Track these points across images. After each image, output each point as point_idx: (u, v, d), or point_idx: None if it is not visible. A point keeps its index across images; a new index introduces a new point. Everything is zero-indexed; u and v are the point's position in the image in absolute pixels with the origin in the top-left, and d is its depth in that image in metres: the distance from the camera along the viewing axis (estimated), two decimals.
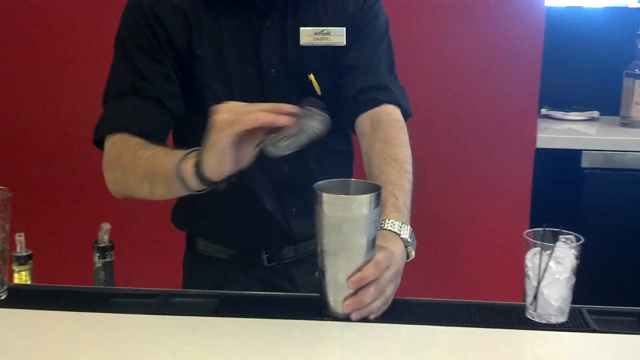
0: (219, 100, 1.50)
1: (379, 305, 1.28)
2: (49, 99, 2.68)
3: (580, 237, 1.29)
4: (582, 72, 3.19)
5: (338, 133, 1.64)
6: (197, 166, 1.25)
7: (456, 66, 2.62)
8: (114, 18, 1.54)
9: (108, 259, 1.55)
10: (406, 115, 1.62)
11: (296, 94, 1.55)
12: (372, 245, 1.26)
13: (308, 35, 1.56)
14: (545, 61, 2.66)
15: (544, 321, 1.29)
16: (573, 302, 1.31)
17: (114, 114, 1.51)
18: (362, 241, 1.24)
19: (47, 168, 2.71)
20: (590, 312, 1.34)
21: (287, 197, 1.63)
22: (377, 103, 1.59)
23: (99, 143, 1.51)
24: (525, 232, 1.31)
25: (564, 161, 2.81)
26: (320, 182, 1.27)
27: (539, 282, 1.28)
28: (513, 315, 1.32)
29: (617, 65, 3.02)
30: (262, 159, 1.34)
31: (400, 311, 1.32)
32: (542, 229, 1.31)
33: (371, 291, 1.26)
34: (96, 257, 1.55)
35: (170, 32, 1.52)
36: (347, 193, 1.25)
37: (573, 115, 3.09)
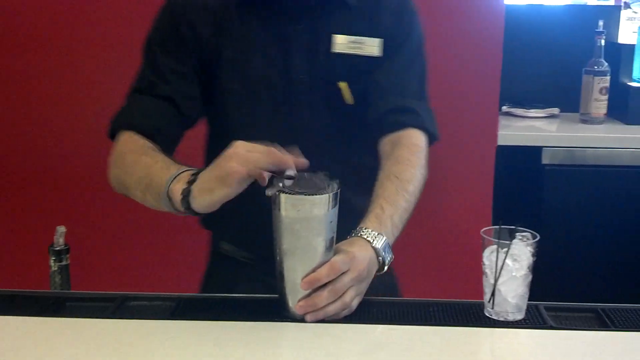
0: (243, 107, 1.51)
1: (335, 309, 1.26)
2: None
3: (536, 234, 1.30)
4: (542, 69, 3.21)
5: (365, 148, 1.60)
6: (186, 195, 1.24)
7: None
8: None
9: (64, 263, 1.52)
10: (432, 138, 1.60)
11: (324, 101, 1.55)
12: (329, 246, 1.25)
13: (341, 43, 1.53)
14: (505, 59, 2.66)
15: (501, 318, 1.30)
16: (532, 298, 1.32)
17: (127, 110, 1.53)
18: (317, 242, 1.23)
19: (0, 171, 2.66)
20: (548, 308, 1.35)
21: None
22: (401, 126, 1.56)
23: (113, 136, 1.51)
24: (482, 230, 1.31)
25: (525, 158, 2.83)
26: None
27: (495, 280, 1.28)
28: (472, 313, 1.32)
29: (577, 62, 3.05)
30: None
31: (357, 311, 1.31)
32: (498, 226, 1.31)
33: (325, 294, 1.24)
34: (52, 261, 1.52)
35: (199, 33, 1.52)
36: (308, 191, 1.24)
37: (533, 112, 3.11)
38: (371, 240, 1.33)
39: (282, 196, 1.22)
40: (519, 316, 1.30)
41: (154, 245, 2.61)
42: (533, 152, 2.80)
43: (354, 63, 1.55)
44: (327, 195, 1.23)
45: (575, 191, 2.81)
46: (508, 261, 1.27)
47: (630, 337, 1.25)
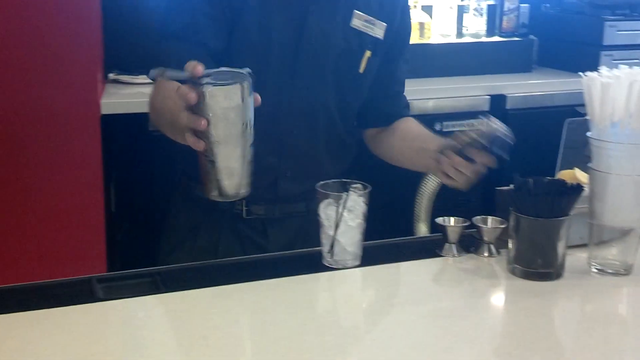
0: (254, 66, 1.47)
1: None
2: None
3: (368, 185, 1.38)
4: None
5: (353, 119, 1.75)
6: None
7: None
8: None
9: None
10: None
11: (331, 70, 1.64)
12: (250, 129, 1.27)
13: (358, 19, 1.64)
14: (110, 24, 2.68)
15: (340, 266, 1.37)
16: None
17: (162, 58, 1.58)
18: (244, 127, 1.24)
19: None
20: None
21: (286, 159, 1.67)
22: (405, 115, 1.78)
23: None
24: (318, 184, 1.38)
25: (132, 125, 2.71)
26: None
27: (335, 231, 1.35)
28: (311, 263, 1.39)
29: None
30: (275, 117, 1.54)
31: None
32: (331, 180, 1.38)
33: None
34: None
35: None
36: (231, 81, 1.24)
37: (141, 79, 2.89)
38: None
39: (215, 89, 1.21)
40: (357, 262, 1.39)
41: None
42: (140, 120, 2.60)
43: (364, 40, 1.66)
44: (248, 81, 1.23)
45: None
46: (345, 213, 1.34)
47: None
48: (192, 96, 1.19)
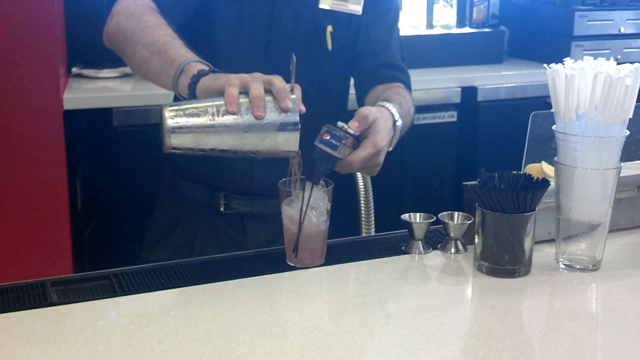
0: (227, 41, 1.63)
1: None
2: None
3: (331, 181, 1.35)
4: None
5: (332, 95, 1.72)
6: (202, 74, 1.31)
7: None
8: None
9: None
10: None
11: (303, 48, 1.63)
12: None
13: (326, 2, 1.65)
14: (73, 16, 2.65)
15: (304, 266, 1.34)
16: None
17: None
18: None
19: None
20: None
21: None
22: (394, 79, 1.68)
23: None
24: (279, 181, 1.35)
25: (96, 121, 2.72)
26: None
27: (300, 226, 1.30)
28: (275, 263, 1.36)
29: None
30: None
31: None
32: (290, 177, 1.34)
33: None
34: None
35: None
36: None
37: (105, 73, 2.92)
38: (389, 109, 1.45)
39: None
40: (321, 261, 1.36)
41: None
42: (105, 115, 2.69)
43: (337, 16, 1.66)
44: None
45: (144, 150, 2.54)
46: (307, 210, 1.30)
47: None
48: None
